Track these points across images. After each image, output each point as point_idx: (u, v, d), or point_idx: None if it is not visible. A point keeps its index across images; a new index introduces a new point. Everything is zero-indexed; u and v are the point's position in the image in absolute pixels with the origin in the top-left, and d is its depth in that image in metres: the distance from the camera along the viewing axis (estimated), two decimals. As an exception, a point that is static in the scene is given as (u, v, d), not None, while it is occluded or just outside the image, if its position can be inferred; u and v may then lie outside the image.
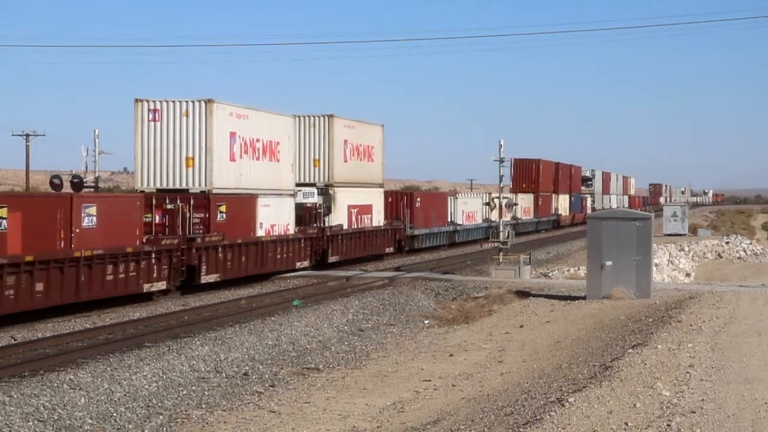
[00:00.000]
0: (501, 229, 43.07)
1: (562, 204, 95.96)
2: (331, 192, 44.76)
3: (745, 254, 58.00)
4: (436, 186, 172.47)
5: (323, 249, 43.29)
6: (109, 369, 19.92)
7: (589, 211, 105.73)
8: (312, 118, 44.81)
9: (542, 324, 27.51)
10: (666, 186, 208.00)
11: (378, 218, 50.49)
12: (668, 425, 12.73)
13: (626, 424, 12.91)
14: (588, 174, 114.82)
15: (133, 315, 28.65)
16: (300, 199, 42.18)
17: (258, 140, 38.12)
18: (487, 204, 49.92)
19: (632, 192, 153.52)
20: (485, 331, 27.56)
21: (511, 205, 46.32)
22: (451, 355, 23.74)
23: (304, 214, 42.67)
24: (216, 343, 23.51)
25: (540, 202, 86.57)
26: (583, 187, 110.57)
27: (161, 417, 17.75)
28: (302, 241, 41.45)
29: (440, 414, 16.65)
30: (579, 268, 41.26)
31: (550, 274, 41.02)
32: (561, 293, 33.35)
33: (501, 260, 40.49)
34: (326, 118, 44.85)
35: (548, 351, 22.57)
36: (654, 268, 34.67)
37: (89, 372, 19.49)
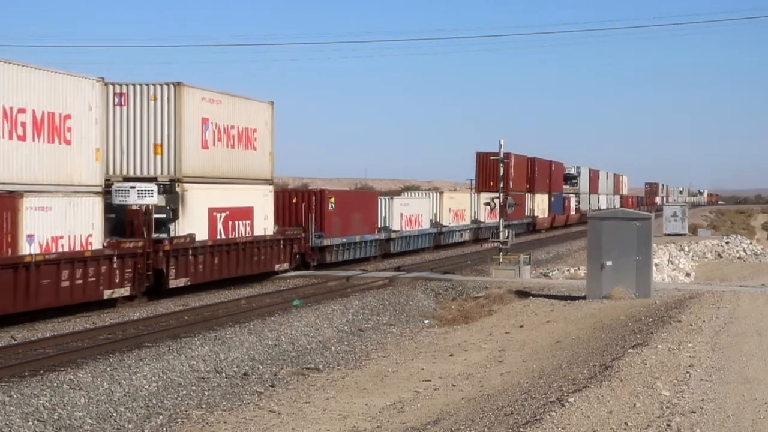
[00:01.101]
0: (501, 228, 43.03)
1: (539, 205, 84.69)
2: (178, 189, 32.99)
3: (745, 254, 57.99)
4: (436, 186, 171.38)
5: (158, 269, 31.40)
6: (109, 369, 19.93)
7: (572, 213, 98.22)
8: (151, 87, 33.11)
9: (542, 324, 27.52)
10: (663, 185, 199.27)
11: (264, 225, 38.21)
12: (668, 425, 12.74)
13: (626, 424, 12.92)
14: (572, 171, 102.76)
15: (133, 315, 28.64)
16: (131, 199, 30.66)
17: (23, 111, 26.20)
18: (488, 204, 48.25)
19: (625, 191, 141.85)
20: (485, 331, 27.57)
21: (511, 205, 45.47)
22: (451, 355, 23.75)
23: (131, 221, 31.43)
24: (216, 343, 23.51)
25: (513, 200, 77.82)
26: (566, 186, 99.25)
27: (161, 417, 17.76)
28: (114, 259, 29.17)
29: (440, 414, 16.66)
30: (579, 268, 41.26)
31: (550, 274, 41.02)
32: (561, 293, 33.35)
33: (501, 260, 40.49)
34: (172, 86, 33.11)
35: (548, 351, 22.58)
36: (654, 268, 34.68)
37: (89, 372, 19.49)
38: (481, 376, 20.53)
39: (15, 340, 23.89)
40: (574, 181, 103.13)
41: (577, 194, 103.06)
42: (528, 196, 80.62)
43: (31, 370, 19.71)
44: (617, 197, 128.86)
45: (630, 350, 18.92)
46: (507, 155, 71.96)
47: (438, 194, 63.73)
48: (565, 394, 15.06)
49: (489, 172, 69.28)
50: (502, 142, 42.80)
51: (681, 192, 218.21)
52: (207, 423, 17.31)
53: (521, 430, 12.86)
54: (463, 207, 65.76)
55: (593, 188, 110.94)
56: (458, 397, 18.22)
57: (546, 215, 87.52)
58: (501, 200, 43.39)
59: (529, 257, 42.21)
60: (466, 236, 65.78)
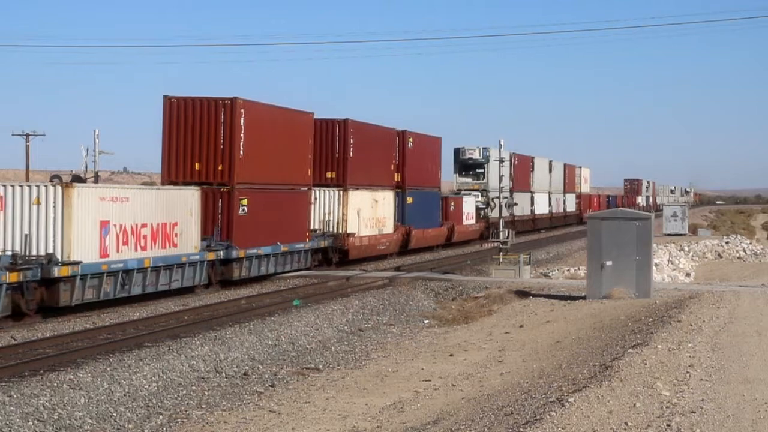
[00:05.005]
0: (501, 228, 43.02)
1: (361, 211, 46.09)
2: None
3: (745, 254, 57.98)
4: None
5: None
6: (109, 369, 19.92)
7: (467, 223, 63.13)
8: None
9: (542, 324, 27.51)
10: (648, 183, 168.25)
11: None
12: (668, 425, 12.74)
13: (626, 424, 12.91)
14: (475, 155, 67.83)
15: (133, 315, 28.62)
16: None
17: None
18: (487, 204, 47.42)
19: (585, 188, 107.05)
20: (485, 331, 27.56)
21: (511, 205, 45.06)
22: (451, 355, 23.75)
23: None
24: (216, 343, 23.50)
25: (253, 206, 36.06)
26: (466, 179, 68.56)
27: (161, 417, 17.76)
28: None
29: (440, 414, 16.66)
30: (579, 268, 41.26)
31: (550, 274, 41.02)
32: (561, 293, 33.34)
33: (501, 260, 40.48)
34: None
35: (548, 351, 22.58)
36: (654, 268, 34.68)
37: (89, 372, 19.49)
38: (481, 376, 20.53)
39: (15, 340, 23.89)
40: (479, 170, 68.62)
41: (484, 192, 67.92)
42: (330, 194, 44.17)
43: (31, 370, 19.70)
44: (571, 197, 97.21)
45: (630, 350, 18.92)
46: (230, 99, 34.87)
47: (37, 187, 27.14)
48: (565, 394, 15.06)
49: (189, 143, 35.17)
50: (502, 142, 42.83)
51: (673, 191, 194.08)
52: (207, 423, 17.31)
53: (521, 430, 12.86)
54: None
55: (521, 183, 75.66)
56: (458, 397, 18.22)
57: (388, 230, 49.63)
58: (501, 200, 43.43)
59: (529, 257, 42.20)
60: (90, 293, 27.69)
